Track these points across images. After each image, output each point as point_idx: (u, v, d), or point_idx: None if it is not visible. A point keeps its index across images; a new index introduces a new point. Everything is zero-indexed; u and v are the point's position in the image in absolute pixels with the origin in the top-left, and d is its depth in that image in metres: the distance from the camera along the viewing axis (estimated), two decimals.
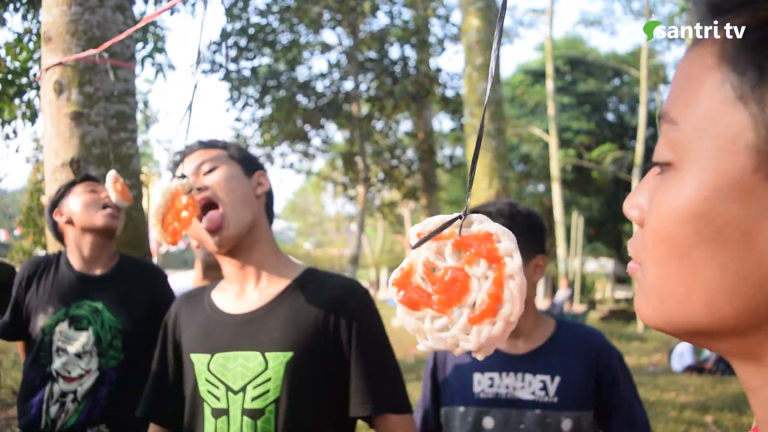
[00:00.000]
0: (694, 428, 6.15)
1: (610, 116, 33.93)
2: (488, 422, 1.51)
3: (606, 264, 28.15)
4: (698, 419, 6.55)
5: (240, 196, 1.36)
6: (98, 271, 2.13)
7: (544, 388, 1.48)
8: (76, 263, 2.12)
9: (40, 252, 6.38)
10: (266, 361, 1.28)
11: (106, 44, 2.10)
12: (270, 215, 1.47)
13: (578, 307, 17.39)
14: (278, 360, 1.27)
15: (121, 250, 2.29)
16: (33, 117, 6.29)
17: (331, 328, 1.32)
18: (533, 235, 1.54)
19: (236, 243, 1.35)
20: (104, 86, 2.59)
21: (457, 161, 13.71)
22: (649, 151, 23.61)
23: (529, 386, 1.49)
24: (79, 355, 2.00)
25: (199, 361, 1.34)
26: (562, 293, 16.05)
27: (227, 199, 1.34)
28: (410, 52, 11.30)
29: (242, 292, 1.39)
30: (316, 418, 1.29)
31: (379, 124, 12.58)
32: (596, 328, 1.61)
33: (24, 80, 6.07)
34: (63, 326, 2.02)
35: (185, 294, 1.53)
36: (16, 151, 6.31)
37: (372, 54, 11.36)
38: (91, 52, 2.28)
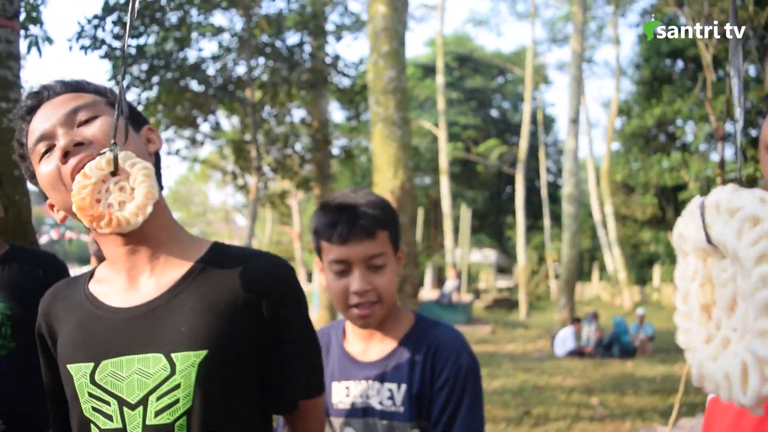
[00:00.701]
0: (583, 410, 6.44)
1: (494, 112, 35.25)
2: None
3: (489, 255, 29.26)
4: (585, 401, 6.88)
5: (132, 153, 1.04)
6: None
7: (392, 397, 1.39)
8: None
9: None
10: (172, 364, 1.02)
11: None
12: (160, 182, 1.15)
13: (465, 297, 17.91)
14: (188, 361, 1.02)
15: (2, 238, 1.99)
16: None
17: (253, 315, 1.07)
18: (398, 226, 1.47)
19: None
20: None
21: (351, 152, 13.63)
22: (531, 148, 24.72)
23: (378, 395, 1.41)
24: None
25: (79, 372, 1.06)
26: (451, 283, 16.44)
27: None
28: (308, 38, 11.03)
29: (133, 281, 1.09)
30: (235, 425, 1.08)
31: (270, 112, 12.22)
32: (454, 330, 1.47)
33: None
34: None
35: (51, 290, 1.20)
36: None
37: (267, 39, 10.99)
38: None
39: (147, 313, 1.06)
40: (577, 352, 10.87)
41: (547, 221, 25.59)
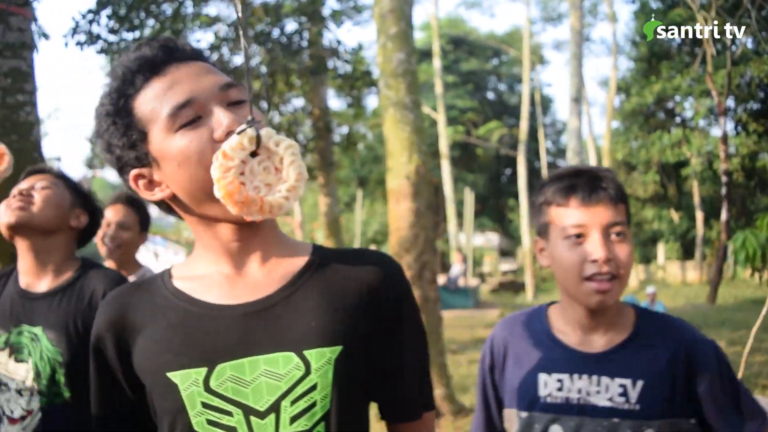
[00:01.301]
0: None
1: (491, 95, 35.09)
2: (557, 431, 1.28)
3: (492, 238, 29.21)
4: None
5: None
6: (43, 287, 1.71)
7: (624, 393, 1.25)
8: (21, 278, 1.72)
9: None
10: (306, 363, 0.91)
11: None
12: None
13: (472, 281, 17.84)
14: (324, 358, 0.92)
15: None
16: None
17: (375, 313, 0.99)
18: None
19: None
20: None
21: (354, 137, 13.48)
22: (530, 129, 24.58)
23: (606, 391, 1.26)
24: (20, 392, 1.59)
25: (187, 379, 0.92)
26: (457, 268, 16.36)
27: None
28: (306, 24, 10.85)
29: (239, 275, 0.98)
30: (363, 430, 0.99)
31: (271, 102, 12.05)
32: (682, 319, 1.37)
33: None
34: (3, 356, 1.62)
35: (116, 296, 1.03)
36: None
37: (265, 28, 10.81)
38: None
39: (266, 309, 0.95)
40: None
41: None
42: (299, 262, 1.00)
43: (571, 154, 14.21)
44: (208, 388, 0.91)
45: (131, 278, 2.80)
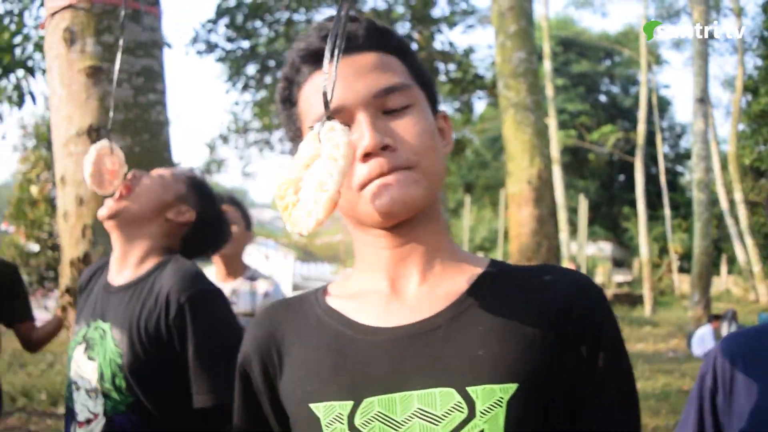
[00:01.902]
0: None
1: (602, 97, 33.76)
2: None
3: (604, 247, 27.96)
4: None
5: (436, 159, 0.81)
6: (121, 280, 1.54)
7: None
8: (111, 269, 1.59)
9: (33, 247, 5.82)
10: (470, 402, 0.74)
11: None
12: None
13: None
14: (493, 398, 0.73)
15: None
16: (20, 100, 5.75)
17: (566, 345, 0.79)
18: None
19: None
20: (127, 35, 2.06)
21: (463, 143, 13.28)
22: (648, 133, 23.35)
23: None
24: (88, 393, 1.45)
25: (331, 413, 0.78)
26: None
27: (425, 163, 0.79)
28: (418, 27, 10.78)
29: (398, 293, 0.83)
30: None
31: None
32: None
33: (9, 59, 5.52)
34: (79, 351, 1.49)
35: (265, 315, 0.92)
36: (2, 137, 5.74)
37: None
38: None
39: (425, 334, 0.78)
40: None
41: (667, 210, 24.08)
42: (471, 278, 0.83)
43: (696, 158, 13.27)
44: (351, 426, 0.76)
45: (239, 280, 2.76)
